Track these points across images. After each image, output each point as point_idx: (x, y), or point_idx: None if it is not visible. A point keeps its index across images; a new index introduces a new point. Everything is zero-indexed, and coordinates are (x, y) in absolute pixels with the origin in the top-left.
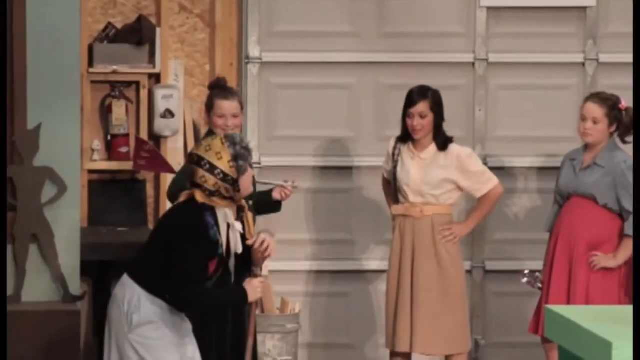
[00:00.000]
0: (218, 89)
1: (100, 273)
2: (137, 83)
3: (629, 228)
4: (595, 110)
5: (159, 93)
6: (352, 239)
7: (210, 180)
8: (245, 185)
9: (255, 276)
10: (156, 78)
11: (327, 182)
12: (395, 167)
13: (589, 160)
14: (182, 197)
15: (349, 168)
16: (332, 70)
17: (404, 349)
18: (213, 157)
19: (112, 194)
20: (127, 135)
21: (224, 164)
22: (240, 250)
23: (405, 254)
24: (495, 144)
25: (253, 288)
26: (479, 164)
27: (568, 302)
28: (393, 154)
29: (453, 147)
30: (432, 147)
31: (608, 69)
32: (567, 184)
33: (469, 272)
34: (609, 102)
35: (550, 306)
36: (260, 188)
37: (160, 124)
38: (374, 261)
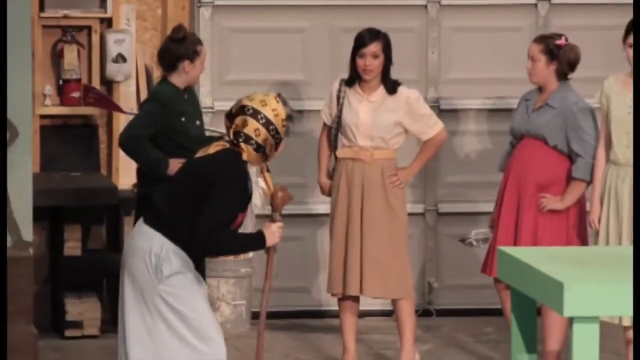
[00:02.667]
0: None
1: (53, 219)
2: (89, 27)
3: (576, 171)
4: (534, 48)
5: (111, 37)
6: (305, 182)
7: (262, 134)
8: (281, 148)
9: (274, 221)
10: (108, 22)
11: None
12: (340, 110)
13: (542, 101)
14: (214, 148)
15: (302, 112)
16: (285, 13)
17: (355, 292)
18: (270, 113)
19: (64, 139)
20: (79, 80)
21: (278, 121)
22: (259, 209)
23: (353, 198)
24: (448, 86)
25: (271, 233)
26: (427, 107)
27: (515, 243)
28: (338, 97)
29: (402, 90)
30: (381, 90)
31: (560, 10)
32: (520, 124)
33: (422, 214)
34: (547, 40)
35: (502, 247)
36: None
37: (112, 69)
38: (328, 205)
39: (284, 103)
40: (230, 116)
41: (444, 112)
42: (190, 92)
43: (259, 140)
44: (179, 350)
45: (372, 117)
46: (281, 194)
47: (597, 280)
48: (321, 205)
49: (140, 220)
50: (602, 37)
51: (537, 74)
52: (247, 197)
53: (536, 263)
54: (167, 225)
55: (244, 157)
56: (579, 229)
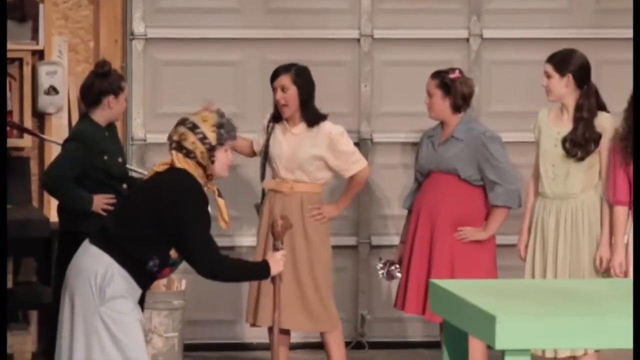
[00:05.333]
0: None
1: None
2: (20, 60)
3: (497, 198)
4: (430, 83)
5: (43, 69)
6: (239, 215)
7: (190, 138)
8: (222, 162)
9: (277, 250)
10: (40, 55)
11: None
12: (268, 141)
13: (446, 135)
14: (160, 167)
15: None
16: (217, 46)
17: (267, 324)
18: (198, 119)
19: None
20: (10, 112)
21: (207, 127)
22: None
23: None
24: (380, 119)
25: (275, 261)
26: (350, 144)
27: (428, 280)
28: (267, 127)
29: (325, 125)
30: (302, 126)
31: (492, 45)
32: (427, 160)
33: (354, 247)
34: (441, 74)
35: (435, 280)
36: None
37: (44, 101)
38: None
39: (221, 115)
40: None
41: (376, 145)
42: (111, 129)
43: (197, 152)
44: None
45: (292, 149)
46: (282, 222)
47: (529, 313)
48: (254, 237)
49: (86, 241)
50: (534, 72)
51: (434, 109)
52: (208, 213)
53: (468, 296)
54: (115, 247)
55: (181, 163)
56: (493, 264)
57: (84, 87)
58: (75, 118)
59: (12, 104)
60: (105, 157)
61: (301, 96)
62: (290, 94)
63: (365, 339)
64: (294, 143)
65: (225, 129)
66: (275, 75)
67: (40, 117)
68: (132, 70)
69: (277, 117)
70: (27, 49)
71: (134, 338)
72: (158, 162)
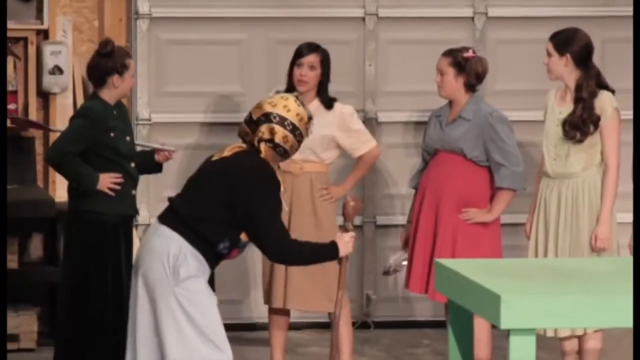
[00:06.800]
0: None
1: None
2: (25, 39)
3: (502, 180)
4: (441, 61)
5: (47, 49)
6: None
7: (290, 141)
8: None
9: (347, 230)
10: (44, 34)
11: (218, 138)
12: None
13: (454, 114)
14: (231, 151)
15: (239, 124)
16: (222, 25)
17: (278, 304)
18: (295, 118)
19: None
20: (15, 92)
21: (302, 125)
22: None
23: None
24: (385, 98)
25: (344, 243)
26: (360, 123)
27: (432, 259)
28: None
29: (336, 106)
30: (315, 104)
31: (497, 23)
32: (434, 139)
33: (360, 227)
34: (454, 53)
35: (439, 260)
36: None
37: (49, 81)
38: None
39: (302, 104)
40: (250, 123)
41: (381, 125)
42: (120, 108)
43: (287, 146)
44: (184, 351)
45: None
46: (353, 203)
47: (534, 292)
48: None
49: (155, 220)
50: (539, 50)
51: (445, 87)
52: (281, 200)
53: (473, 275)
54: (187, 228)
55: (262, 156)
56: (496, 245)
57: (90, 67)
58: (79, 98)
59: (16, 83)
60: (112, 135)
61: (323, 77)
62: (315, 74)
63: (370, 318)
64: None
65: (310, 120)
66: (303, 52)
67: (44, 96)
68: (136, 49)
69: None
70: (31, 28)
71: (210, 316)
72: (228, 147)
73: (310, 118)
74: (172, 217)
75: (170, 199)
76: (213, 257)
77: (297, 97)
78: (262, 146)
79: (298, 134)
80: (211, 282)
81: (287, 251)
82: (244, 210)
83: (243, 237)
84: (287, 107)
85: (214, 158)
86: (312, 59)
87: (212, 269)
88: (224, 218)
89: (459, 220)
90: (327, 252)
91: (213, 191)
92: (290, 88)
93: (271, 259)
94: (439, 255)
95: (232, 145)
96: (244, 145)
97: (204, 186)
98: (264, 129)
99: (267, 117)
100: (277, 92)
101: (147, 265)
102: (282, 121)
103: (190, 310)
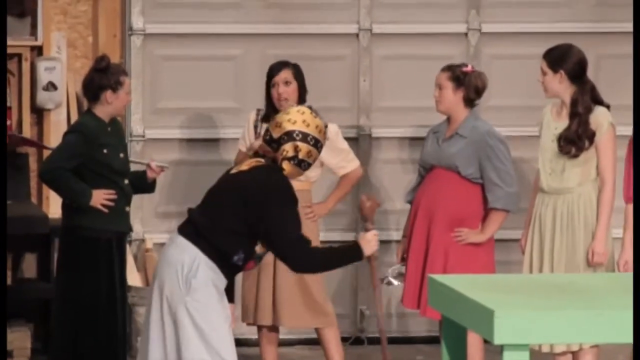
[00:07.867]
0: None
1: None
2: (19, 55)
3: (497, 201)
4: (440, 76)
5: (41, 65)
6: None
7: (314, 154)
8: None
9: (367, 230)
10: (38, 50)
11: (213, 155)
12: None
13: (451, 131)
14: (249, 165)
15: (235, 140)
16: (216, 41)
17: (267, 322)
18: (315, 131)
19: None
20: (9, 108)
21: (322, 136)
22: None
23: None
24: (379, 114)
25: (367, 242)
26: (345, 142)
27: (423, 275)
28: (255, 127)
29: None
30: None
31: (490, 39)
32: (430, 155)
33: None
34: (453, 67)
35: (433, 275)
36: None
37: (43, 97)
38: None
39: (317, 114)
40: (271, 142)
41: (375, 140)
42: (114, 124)
43: (310, 160)
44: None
45: None
46: (369, 203)
47: (528, 308)
48: None
49: (175, 232)
50: (533, 66)
51: (443, 102)
52: (298, 212)
53: (467, 290)
54: (202, 239)
55: (285, 172)
56: (489, 262)
57: (84, 83)
58: (74, 114)
59: (10, 100)
60: (105, 151)
61: (300, 90)
62: (292, 88)
63: (364, 334)
64: None
65: (326, 128)
66: (276, 70)
67: (39, 113)
68: (130, 65)
69: (267, 116)
70: (26, 44)
71: (218, 328)
72: (246, 161)
73: (326, 126)
74: (189, 228)
75: (189, 210)
76: (228, 268)
77: (310, 108)
78: (285, 164)
79: (320, 145)
80: (229, 291)
81: (308, 261)
82: (264, 223)
83: (258, 248)
84: (306, 121)
85: (233, 171)
86: (284, 74)
87: (229, 279)
88: (240, 231)
89: (451, 238)
90: (351, 254)
91: (230, 205)
92: (270, 112)
93: (293, 269)
94: (430, 271)
95: (250, 160)
96: (262, 160)
97: (221, 198)
98: (287, 148)
99: (289, 136)
100: (258, 110)
101: (163, 276)
102: (305, 137)
103: (198, 320)
